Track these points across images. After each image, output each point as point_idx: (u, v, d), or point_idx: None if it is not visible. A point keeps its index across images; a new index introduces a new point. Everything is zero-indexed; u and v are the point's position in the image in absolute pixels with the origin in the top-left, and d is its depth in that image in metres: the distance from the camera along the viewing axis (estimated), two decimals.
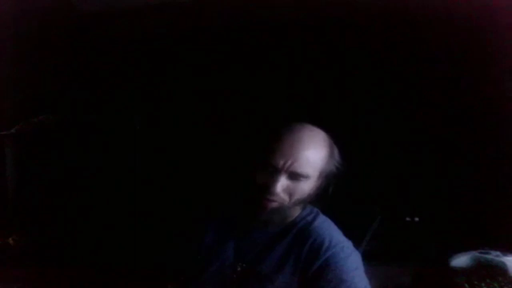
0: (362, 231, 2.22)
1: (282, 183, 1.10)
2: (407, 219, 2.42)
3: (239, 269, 1.16)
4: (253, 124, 2.07)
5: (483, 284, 1.85)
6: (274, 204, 1.12)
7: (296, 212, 1.20)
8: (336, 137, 1.18)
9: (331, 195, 1.19)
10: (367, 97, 2.45)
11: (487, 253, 1.96)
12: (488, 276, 1.87)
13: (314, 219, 1.20)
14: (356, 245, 1.19)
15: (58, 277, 2.21)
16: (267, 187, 1.10)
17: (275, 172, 1.10)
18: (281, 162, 1.09)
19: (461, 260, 1.98)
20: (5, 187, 2.75)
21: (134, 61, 2.58)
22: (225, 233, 1.22)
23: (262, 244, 1.18)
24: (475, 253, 1.97)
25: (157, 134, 2.69)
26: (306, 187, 1.13)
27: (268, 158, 1.10)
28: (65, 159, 2.70)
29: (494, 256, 1.93)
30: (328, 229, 1.19)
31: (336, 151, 1.17)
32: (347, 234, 1.19)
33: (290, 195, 1.13)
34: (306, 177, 1.11)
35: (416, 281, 2.04)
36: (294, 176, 1.11)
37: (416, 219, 2.41)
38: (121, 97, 2.66)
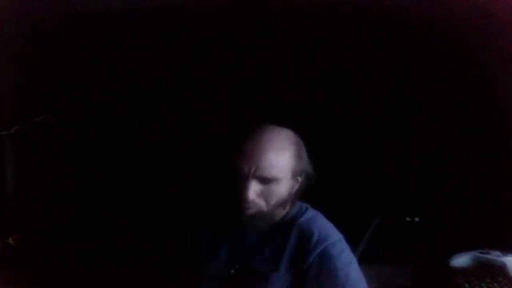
0: (362, 231, 2.22)
1: (253, 189, 1.07)
2: (407, 219, 2.42)
3: (232, 271, 1.15)
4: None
5: (483, 284, 1.85)
6: (252, 211, 1.09)
7: (285, 209, 1.17)
8: (306, 137, 1.15)
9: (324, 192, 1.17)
10: (368, 97, 2.45)
11: (487, 253, 1.96)
12: (488, 276, 1.87)
13: (302, 214, 1.18)
14: (354, 246, 1.19)
15: (58, 277, 2.21)
16: (240, 195, 1.07)
17: (243, 180, 1.07)
18: (246, 168, 1.06)
19: (461, 260, 1.98)
20: (5, 187, 2.74)
21: (134, 61, 2.57)
22: (217, 235, 1.21)
23: (253, 243, 1.16)
24: (475, 253, 1.97)
25: (157, 134, 2.69)
26: (281, 189, 1.10)
27: (233, 166, 1.07)
28: (65, 159, 2.70)
29: (494, 256, 1.93)
30: (317, 223, 1.17)
31: (304, 150, 1.14)
32: (347, 234, 1.18)
33: (266, 200, 1.10)
34: (275, 179, 1.08)
35: (416, 281, 2.04)
36: (263, 180, 1.07)
37: (416, 219, 2.41)
38: (120, 97, 2.66)
